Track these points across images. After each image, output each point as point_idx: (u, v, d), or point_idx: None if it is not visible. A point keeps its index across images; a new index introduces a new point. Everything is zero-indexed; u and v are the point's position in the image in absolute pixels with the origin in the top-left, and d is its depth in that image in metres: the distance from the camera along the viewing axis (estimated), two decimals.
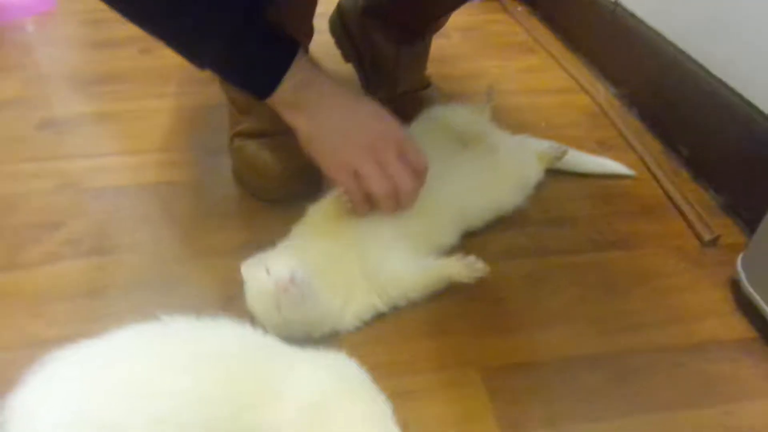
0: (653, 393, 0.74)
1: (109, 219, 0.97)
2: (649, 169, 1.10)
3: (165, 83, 1.35)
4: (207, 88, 1.29)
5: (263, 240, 0.84)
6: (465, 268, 0.81)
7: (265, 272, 0.75)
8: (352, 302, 0.80)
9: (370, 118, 0.81)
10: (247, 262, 0.78)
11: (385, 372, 0.72)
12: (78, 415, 0.57)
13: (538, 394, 0.73)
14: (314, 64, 0.81)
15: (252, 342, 0.66)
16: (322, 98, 0.79)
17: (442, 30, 1.23)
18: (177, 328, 0.66)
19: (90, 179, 1.06)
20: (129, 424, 0.57)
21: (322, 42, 1.18)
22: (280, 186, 0.98)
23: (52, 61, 1.51)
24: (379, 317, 0.82)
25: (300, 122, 0.81)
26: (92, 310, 0.83)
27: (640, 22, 1.25)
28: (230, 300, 0.83)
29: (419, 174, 0.82)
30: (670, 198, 1.04)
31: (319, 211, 0.87)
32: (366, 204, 0.82)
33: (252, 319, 0.75)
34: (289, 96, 0.78)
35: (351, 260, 0.82)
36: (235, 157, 1.04)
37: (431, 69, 1.24)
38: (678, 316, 0.83)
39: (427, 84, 1.18)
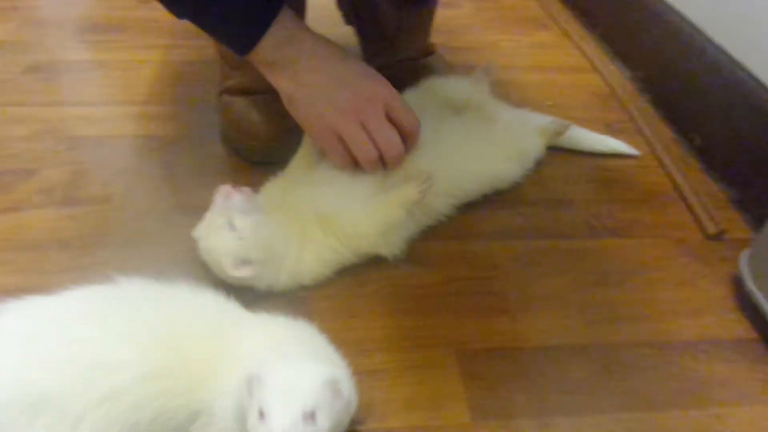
0: (641, 390, 0.69)
1: (85, 169, 0.93)
2: (656, 155, 1.04)
3: (159, 35, 1.30)
4: (201, 42, 1.23)
5: None
6: (412, 184, 0.77)
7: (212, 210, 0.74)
8: (308, 243, 0.76)
9: (355, 78, 0.76)
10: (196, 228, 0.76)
11: (355, 349, 0.68)
12: (20, 382, 0.52)
13: (516, 382, 0.69)
14: (298, 22, 0.76)
15: (210, 308, 0.61)
16: (305, 57, 0.75)
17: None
18: (134, 292, 0.61)
19: (70, 128, 1.02)
20: (72, 397, 0.52)
21: (323, 4, 1.12)
22: (265, 147, 0.93)
23: (49, 5, 1.46)
24: (357, 290, 0.77)
25: (282, 82, 0.77)
26: (56, 262, 0.79)
27: (664, 3, 1.18)
28: (196, 261, 0.78)
29: (409, 136, 0.77)
30: (676, 187, 0.98)
31: (288, 167, 0.84)
32: (349, 167, 0.78)
33: (216, 283, 0.71)
34: (270, 54, 0.74)
35: (307, 203, 0.79)
36: (222, 115, 0.99)
37: (437, 39, 1.18)
38: (673, 311, 0.78)
39: (429, 52, 1.12)
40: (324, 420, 0.52)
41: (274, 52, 0.74)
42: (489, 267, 0.82)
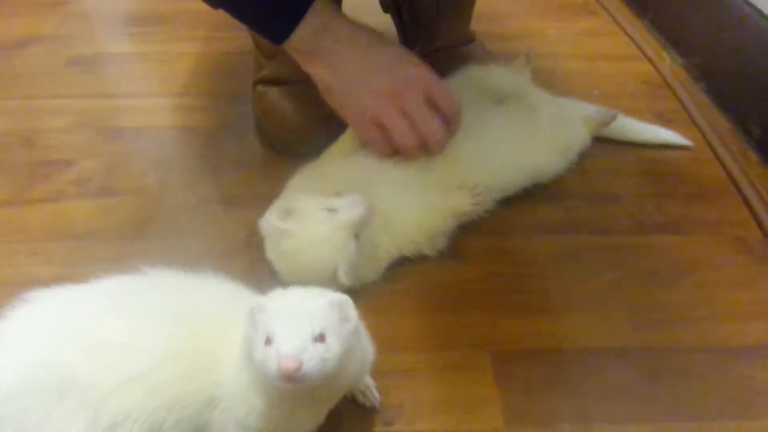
0: (690, 398, 0.65)
1: (121, 161, 0.94)
2: (711, 147, 0.98)
3: (201, 26, 1.30)
4: (239, 34, 1.22)
5: (273, 194, 0.78)
6: (466, 195, 0.75)
7: (325, 213, 0.68)
8: (373, 249, 0.73)
9: (394, 63, 0.75)
10: (277, 215, 0.70)
11: (385, 347, 0.64)
12: (44, 366, 0.53)
13: (554, 387, 0.65)
14: (335, 10, 0.75)
15: (234, 296, 0.60)
16: (342, 45, 0.73)
17: None
18: (158, 281, 0.60)
19: (109, 119, 1.03)
20: (95, 382, 0.52)
21: None
22: (297, 139, 0.92)
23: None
24: (388, 286, 0.75)
25: (318, 71, 0.75)
26: (90, 252, 0.79)
27: None
28: (231, 253, 0.78)
29: (450, 120, 0.75)
30: (733, 181, 0.92)
31: (323, 158, 0.81)
32: (392, 156, 0.76)
33: (259, 282, 0.68)
34: (307, 43, 0.73)
35: None
36: (256, 105, 0.98)
37: (478, 27, 1.14)
38: (727, 314, 0.73)
39: (469, 40, 1.08)
40: (334, 342, 0.49)
41: (311, 41, 0.72)
42: (528, 263, 0.79)
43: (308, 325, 0.49)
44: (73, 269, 0.76)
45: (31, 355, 0.53)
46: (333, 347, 0.49)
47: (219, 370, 0.55)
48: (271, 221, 0.69)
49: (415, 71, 0.74)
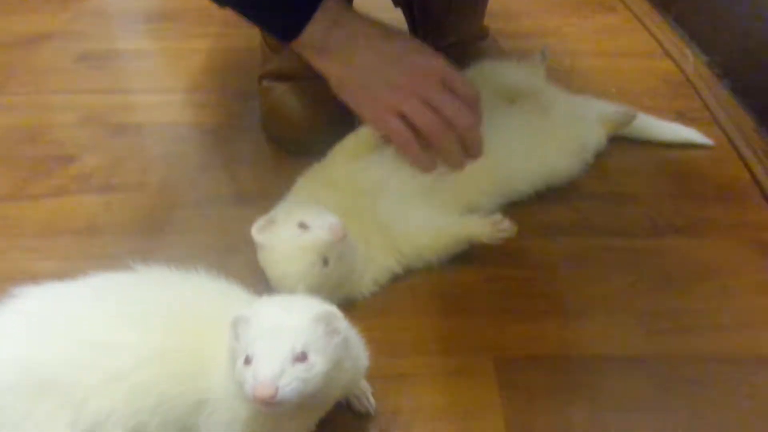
0: (707, 410, 0.61)
1: (124, 156, 0.93)
2: (734, 146, 0.94)
3: (208, 23, 1.29)
4: (250, 31, 1.20)
5: (276, 193, 0.76)
6: (489, 226, 0.71)
7: (297, 227, 0.66)
8: (370, 262, 0.71)
9: (408, 54, 0.72)
10: (257, 225, 0.68)
11: (384, 350, 0.62)
12: (24, 364, 0.51)
13: (560, 396, 0.62)
14: (345, 4, 0.73)
15: (222, 297, 0.58)
16: (354, 39, 0.71)
17: None
18: (147, 279, 0.59)
19: (114, 115, 1.02)
20: (77, 381, 0.51)
21: None
22: (302, 136, 0.90)
23: None
24: (388, 287, 0.72)
25: (330, 67, 0.73)
26: (87, 248, 0.78)
27: None
28: (231, 251, 0.76)
29: (470, 104, 0.72)
30: (756, 182, 0.88)
31: (330, 160, 0.77)
32: (417, 146, 0.72)
33: (256, 283, 0.67)
34: (319, 38, 0.71)
35: (365, 213, 0.73)
36: (262, 101, 0.96)
37: (493, 25, 1.11)
38: (747, 322, 0.69)
39: (482, 36, 1.05)
40: (317, 359, 0.47)
41: (322, 37, 0.71)
42: (537, 266, 0.76)
43: (288, 345, 0.47)
44: (72, 265, 0.74)
45: (12, 353, 0.52)
46: (315, 366, 0.47)
47: (207, 374, 0.53)
48: (252, 230, 0.68)
49: (431, 61, 0.72)
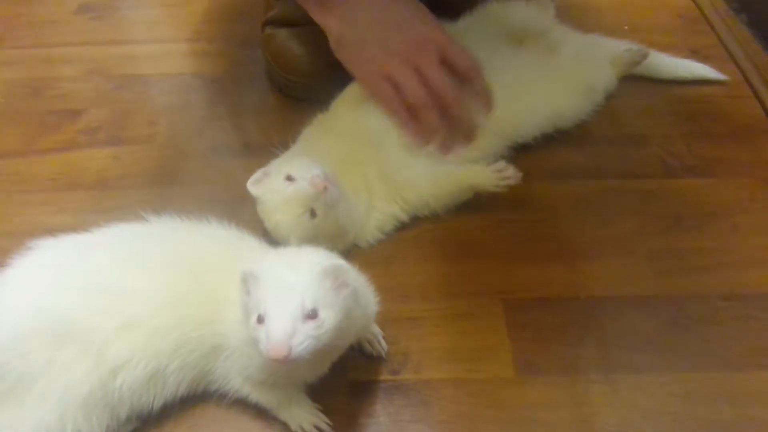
0: (715, 347, 0.62)
1: (131, 108, 0.92)
2: (750, 83, 0.91)
3: None
4: None
5: (283, 141, 0.75)
6: (493, 174, 0.71)
7: (284, 180, 0.66)
8: (373, 210, 0.72)
9: (409, 20, 0.70)
10: (253, 178, 0.69)
11: (394, 295, 0.64)
12: (45, 311, 0.53)
13: (569, 336, 0.63)
14: None
15: (233, 244, 0.59)
16: None
17: None
18: (160, 228, 0.60)
19: (118, 66, 1.01)
20: (96, 327, 0.53)
21: None
22: (306, 82, 0.88)
23: None
24: (396, 234, 0.73)
25: (331, 22, 0.72)
26: (100, 200, 0.79)
27: None
28: (239, 201, 0.76)
29: (468, 75, 0.70)
30: None
31: (333, 110, 0.77)
32: (405, 113, 0.71)
33: (265, 232, 0.68)
34: None
35: (368, 161, 0.73)
36: (264, 48, 0.94)
37: None
38: (758, 260, 0.69)
39: None
40: (327, 315, 0.48)
41: None
42: (545, 209, 0.75)
43: (298, 303, 0.48)
44: (84, 218, 0.75)
45: (33, 301, 0.54)
46: (326, 321, 0.48)
47: (222, 320, 0.55)
48: (247, 184, 0.68)
49: (431, 31, 0.70)
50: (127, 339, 0.53)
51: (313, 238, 0.64)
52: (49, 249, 0.58)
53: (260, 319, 0.48)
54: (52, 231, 0.60)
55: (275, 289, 0.49)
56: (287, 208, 0.66)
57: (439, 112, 0.69)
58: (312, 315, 0.48)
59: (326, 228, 0.66)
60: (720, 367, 0.61)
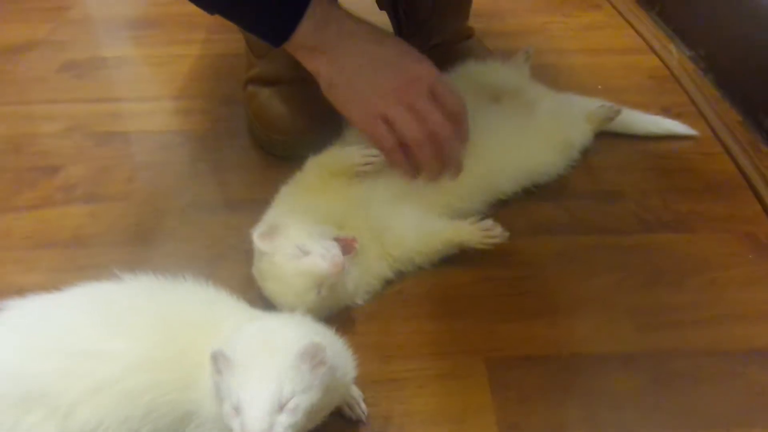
0: (699, 406, 0.61)
1: (109, 165, 0.92)
2: (721, 140, 0.94)
3: (195, 29, 1.29)
4: (235, 36, 1.20)
5: (264, 198, 0.75)
6: (478, 231, 0.71)
7: (296, 250, 0.64)
8: (365, 273, 0.71)
9: (398, 58, 0.72)
10: (260, 231, 0.67)
11: (374, 355, 0.63)
12: (11, 375, 0.51)
13: (553, 395, 0.62)
14: (334, 4, 0.73)
15: (211, 305, 0.58)
16: (344, 39, 0.71)
17: None
18: (134, 287, 0.59)
19: (99, 124, 1.01)
20: (64, 390, 0.51)
21: None
22: (288, 140, 0.89)
23: (89, 4, 1.46)
24: (379, 290, 0.72)
25: (321, 67, 0.72)
26: (74, 259, 0.77)
27: None
28: (218, 259, 0.76)
29: (456, 117, 0.71)
30: (744, 175, 0.88)
31: (317, 166, 0.76)
32: (400, 152, 0.72)
33: (244, 289, 0.66)
34: (311, 38, 0.70)
35: (359, 223, 0.72)
36: (247, 106, 0.96)
37: (478, 24, 1.11)
38: (737, 315, 0.69)
39: (466, 36, 1.05)
40: (303, 398, 0.48)
41: (314, 35, 0.70)
42: (526, 265, 0.75)
43: (275, 393, 0.47)
44: (58, 277, 0.73)
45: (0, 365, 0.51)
46: (301, 405, 0.48)
47: (195, 384, 0.53)
48: (253, 237, 0.67)
49: (420, 68, 0.72)
50: (95, 402, 0.51)
51: (310, 311, 0.62)
52: (17, 310, 0.56)
53: (235, 409, 0.47)
54: (23, 290, 0.58)
55: (250, 377, 0.48)
56: (295, 281, 0.63)
57: (433, 147, 0.70)
58: (288, 403, 0.47)
59: (326, 302, 0.65)
60: (705, 426, 0.60)
